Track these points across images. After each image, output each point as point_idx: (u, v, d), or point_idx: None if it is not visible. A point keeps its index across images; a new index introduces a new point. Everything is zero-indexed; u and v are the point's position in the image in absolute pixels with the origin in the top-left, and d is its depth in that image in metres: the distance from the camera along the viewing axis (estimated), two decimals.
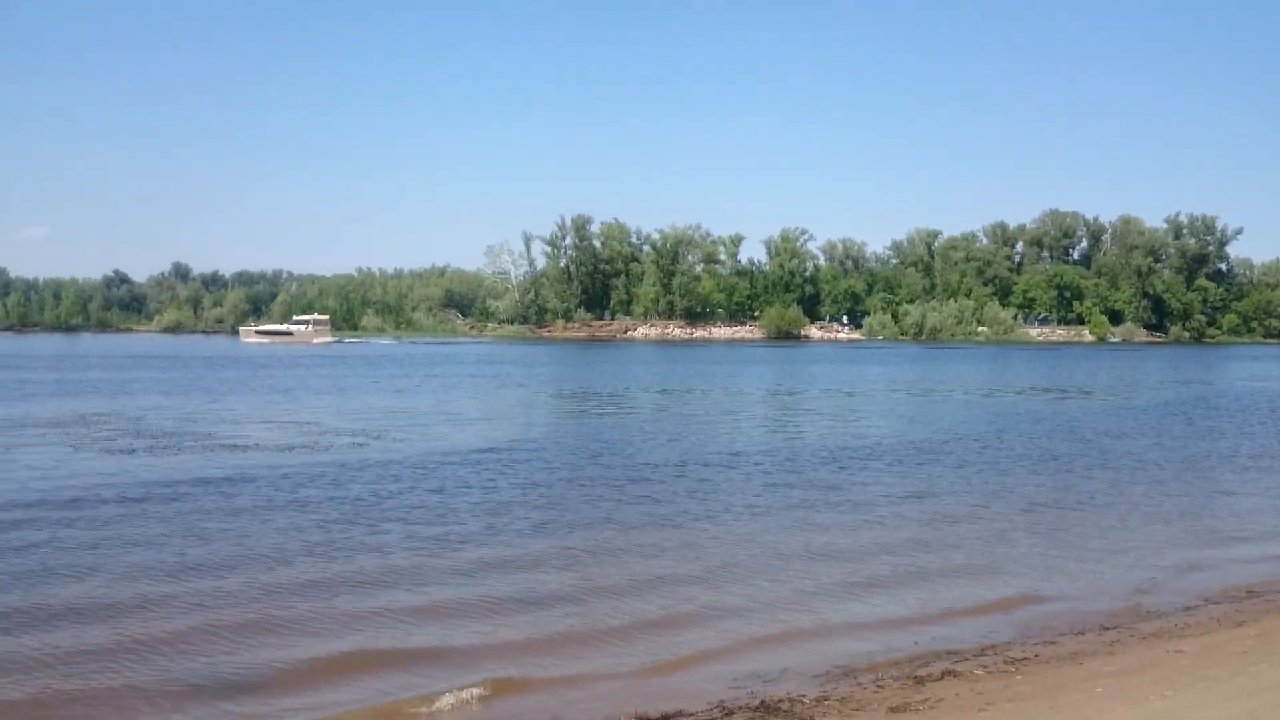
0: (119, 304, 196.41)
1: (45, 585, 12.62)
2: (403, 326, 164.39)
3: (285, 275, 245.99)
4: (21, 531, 15.54)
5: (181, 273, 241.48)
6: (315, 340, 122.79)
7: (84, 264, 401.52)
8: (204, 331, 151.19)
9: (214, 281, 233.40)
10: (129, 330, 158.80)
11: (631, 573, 13.92)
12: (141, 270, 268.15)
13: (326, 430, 30.20)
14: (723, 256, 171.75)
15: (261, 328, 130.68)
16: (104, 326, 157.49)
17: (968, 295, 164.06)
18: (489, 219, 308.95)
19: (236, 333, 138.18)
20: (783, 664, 10.46)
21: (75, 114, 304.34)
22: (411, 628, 11.43)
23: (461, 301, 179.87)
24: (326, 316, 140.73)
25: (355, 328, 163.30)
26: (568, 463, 24.23)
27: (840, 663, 10.52)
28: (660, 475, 22.47)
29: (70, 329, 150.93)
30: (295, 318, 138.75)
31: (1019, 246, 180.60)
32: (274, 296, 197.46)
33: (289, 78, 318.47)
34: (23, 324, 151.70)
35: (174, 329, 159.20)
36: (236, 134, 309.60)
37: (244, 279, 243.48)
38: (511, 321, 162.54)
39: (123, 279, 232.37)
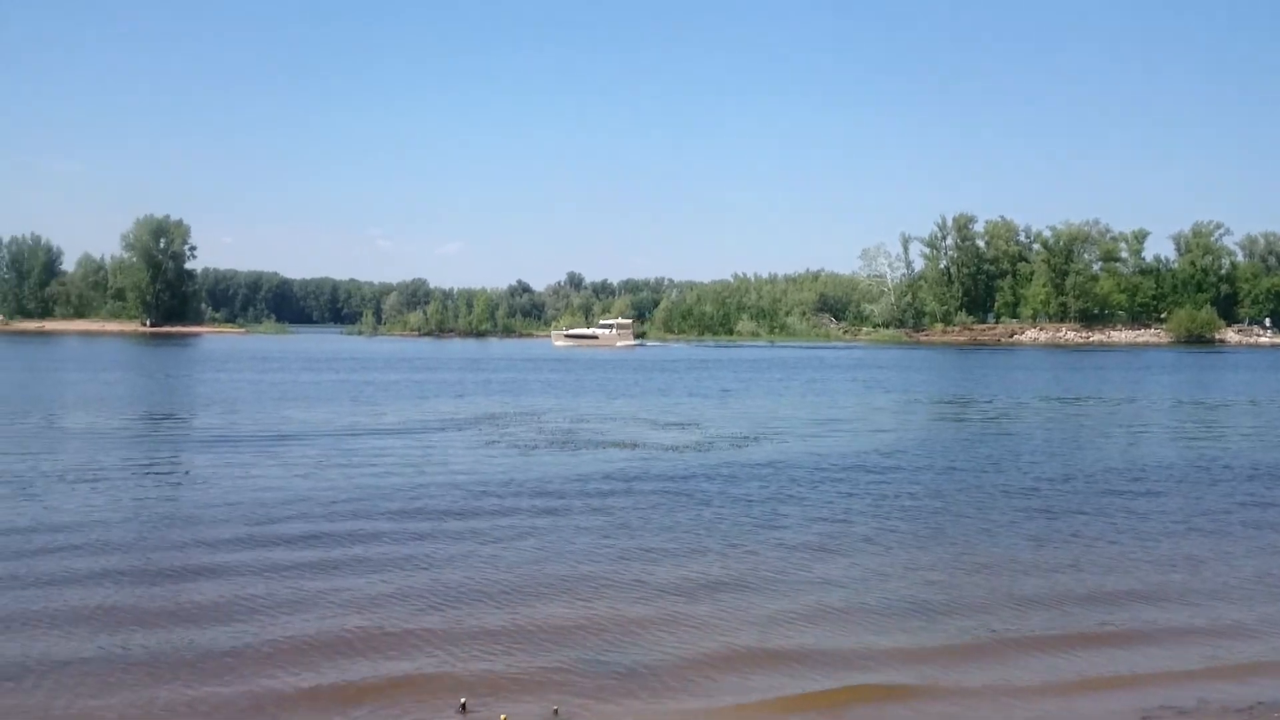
0: (521, 311, 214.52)
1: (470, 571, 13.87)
2: (776, 331, 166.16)
3: (666, 282, 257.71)
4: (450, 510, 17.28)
5: (575, 281, 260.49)
6: (618, 344, 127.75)
7: (492, 274, 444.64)
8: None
9: (603, 289, 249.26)
10: (529, 335, 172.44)
11: (1014, 580, 13.06)
12: (541, 279, 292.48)
13: (707, 431, 31.07)
14: (1124, 254, 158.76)
15: (570, 331, 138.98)
16: (508, 332, 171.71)
17: None
18: (864, 221, 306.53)
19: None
20: (1197, 695, 9.35)
21: (483, 142, 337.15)
22: (803, 628, 11.32)
23: (835, 305, 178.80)
24: (630, 321, 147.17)
25: (730, 332, 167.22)
26: (953, 470, 23.23)
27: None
28: (1056, 487, 20.98)
29: (480, 334, 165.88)
30: (600, 322, 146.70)
31: None
32: (656, 303, 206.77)
33: (658, 99, 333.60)
34: (440, 329, 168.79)
35: None
36: (623, 153, 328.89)
37: (629, 286, 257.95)
38: (887, 325, 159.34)
39: (525, 288, 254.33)
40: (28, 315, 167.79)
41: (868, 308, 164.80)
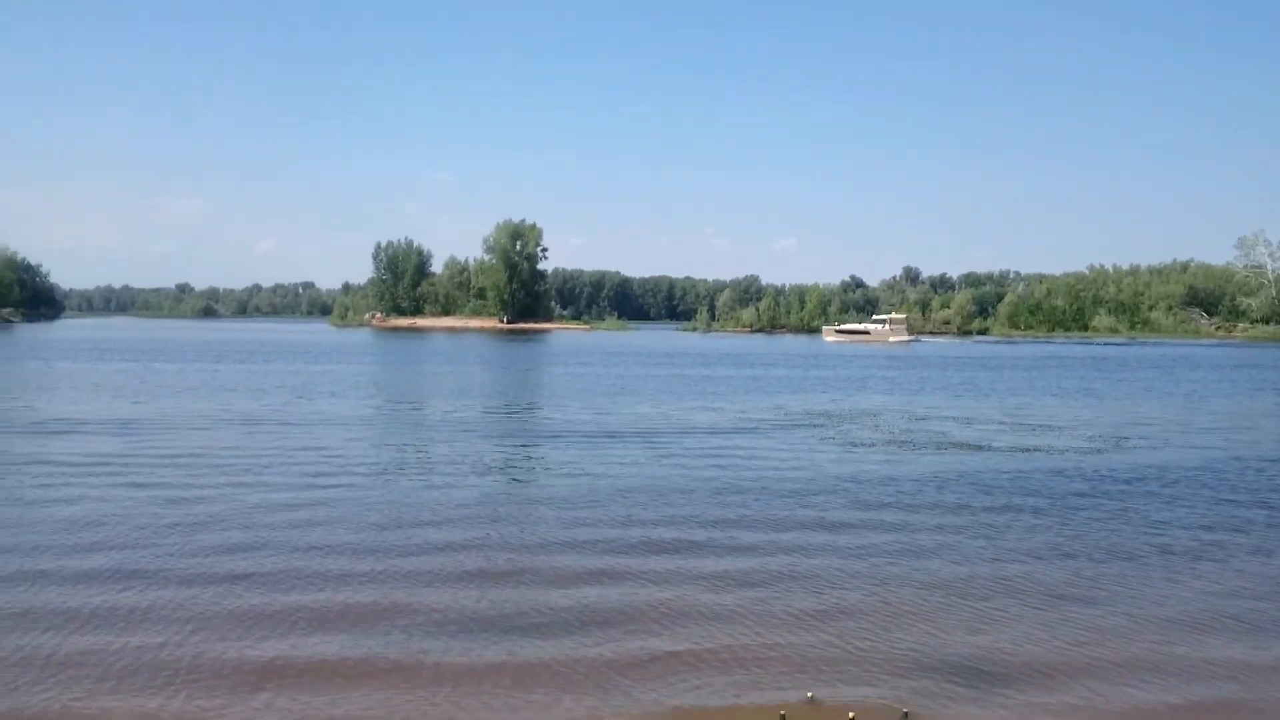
0: (854, 307, 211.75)
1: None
2: (1138, 327, 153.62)
3: (1012, 275, 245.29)
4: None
5: (911, 276, 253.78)
6: (890, 339, 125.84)
7: (825, 270, 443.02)
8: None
9: (941, 284, 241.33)
10: None
11: None
12: (875, 275, 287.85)
13: (1053, 432, 29.38)
14: None
15: (841, 327, 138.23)
16: None
17: None
18: (1239, 207, 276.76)
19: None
20: None
21: (814, 138, 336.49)
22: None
23: (1207, 299, 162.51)
24: (904, 317, 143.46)
25: (1085, 328, 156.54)
26: None
27: None
28: None
29: (812, 330, 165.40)
30: (874, 317, 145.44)
31: None
32: (1000, 297, 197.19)
33: (997, 82, 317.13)
34: (771, 325, 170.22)
35: None
36: (963, 141, 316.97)
37: (971, 280, 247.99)
38: (1267, 321, 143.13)
39: (858, 283, 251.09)
40: (401, 313, 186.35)
41: (1244, 301, 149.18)
